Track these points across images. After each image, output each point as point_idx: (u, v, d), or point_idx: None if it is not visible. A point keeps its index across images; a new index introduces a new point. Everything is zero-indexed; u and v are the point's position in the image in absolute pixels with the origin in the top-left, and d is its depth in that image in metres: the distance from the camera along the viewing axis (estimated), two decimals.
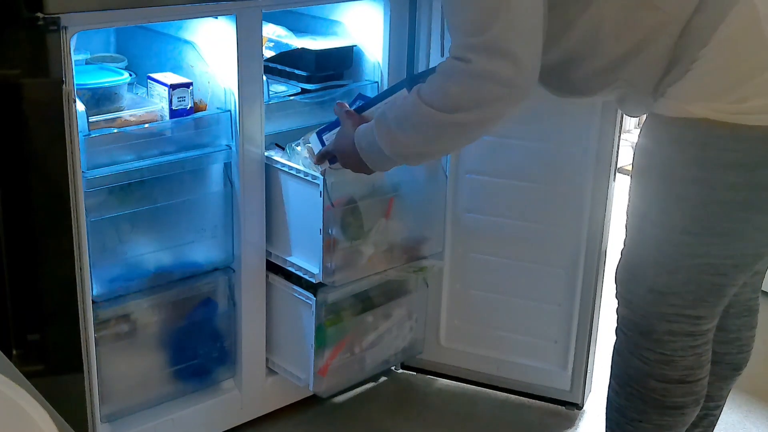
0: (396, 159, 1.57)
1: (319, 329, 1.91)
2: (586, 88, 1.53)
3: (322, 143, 1.78)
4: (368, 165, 1.61)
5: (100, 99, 1.74)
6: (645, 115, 1.52)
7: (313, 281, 1.86)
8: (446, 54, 1.47)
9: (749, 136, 1.36)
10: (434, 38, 2.02)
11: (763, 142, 1.36)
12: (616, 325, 1.59)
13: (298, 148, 1.85)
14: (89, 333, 1.67)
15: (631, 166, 1.55)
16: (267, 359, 2.02)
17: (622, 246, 1.56)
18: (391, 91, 1.72)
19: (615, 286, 1.58)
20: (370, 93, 2.10)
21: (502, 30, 1.36)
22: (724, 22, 1.34)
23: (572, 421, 2.17)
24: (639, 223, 1.51)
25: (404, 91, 1.65)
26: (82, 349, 1.66)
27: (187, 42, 1.84)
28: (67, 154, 1.53)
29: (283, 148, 1.92)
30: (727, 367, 1.69)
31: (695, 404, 1.56)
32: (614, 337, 1.60)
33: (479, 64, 1.38)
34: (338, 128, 1.72)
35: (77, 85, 1.57)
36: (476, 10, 1.38)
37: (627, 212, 1.54)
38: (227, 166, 1.84)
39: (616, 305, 1.59)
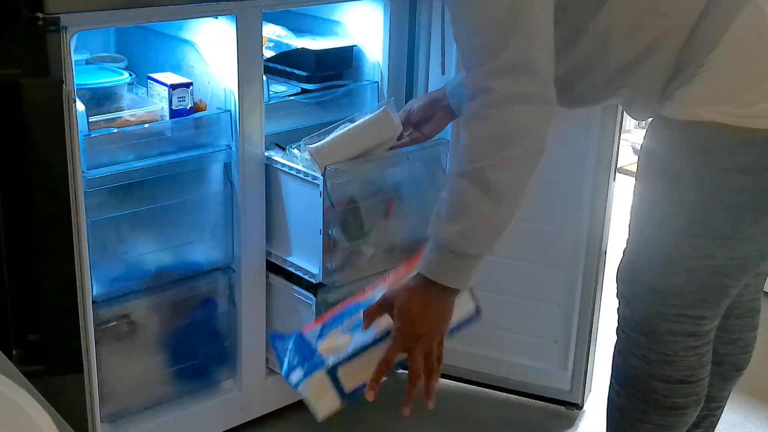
0: (484, 252, 1.36)
1: None
2: (591, 97, 1.53)
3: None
4: (452, 286, 1.35)
5: (100, 99, 1.74)
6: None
7: (313, 281, 1.86)
8: (447, 57, 1.44)
9: (757, 139, 1.36)
10: (434, 38, 2.01)
11: None
12: (617, 325, 1.59)
13: (296, 151, 1.84)
14: (89, 333, 1.67)
15: (633, 166, 1.55)
16: (267, 359, 2.02)
17: (625, 246, 1.56)
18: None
19: (616, 285, 1.58)
20: (370, 93, 2.10)
21: (518, 46, 1.28)
22: (731, 26, 1.34)
23: (572, 421, 2.17)
24: (643, 224, 1.51)
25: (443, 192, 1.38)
26: (82, 349, 1.66)
27: (187, 42, 1.84)
28: (67, 154, 1.53)
29: (284, 149, 1.92)
30: (729, 368, 1.69)
31: (696, 404, 1.56)
32: (615, 338, 1.60)
33: (504, 89, 1.29)
34: (359, 312, 1.44)
35: (77, 85, 1.57)
36: (488, 31, 1.30)
37: (631, 212, 1.54)
38: (227, 166, 1.84)
39: (618, 305, 1.58)
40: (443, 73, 1.92)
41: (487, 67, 1.30)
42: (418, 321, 1.36)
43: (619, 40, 1.42)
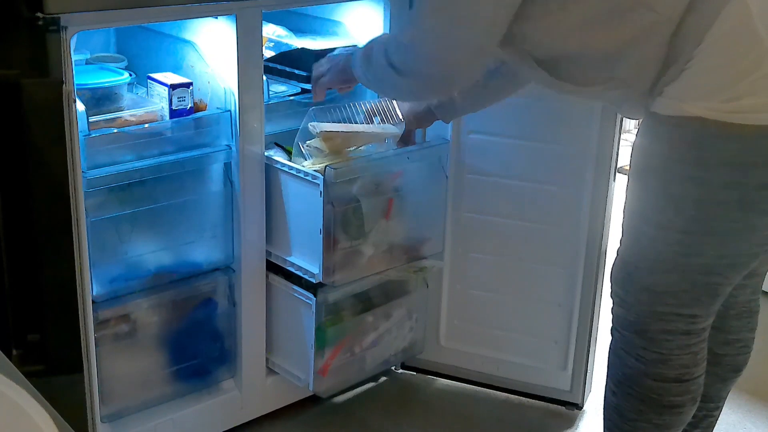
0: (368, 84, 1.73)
1: (319, 329, 1.91)
2: (581, 79, 1.52)
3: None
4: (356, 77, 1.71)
5: (100, 99, 1.74)
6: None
7: (313, 281, 1.86)
8: None
9: (742, 135, 1.36)
10: None
11: (757, 141, 1.36)
12: (611, 324, 1.60)
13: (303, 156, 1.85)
14: (89, 333, 1.67)
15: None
16: (267, 359, 2.02)
17: (618, 245, 1.57)
18: None
19: (610, 284, 1.58)
20: (371, 93, 2.10)
21: (429, 27, 1.47)
22: (717, 21, 1.34)
23: (572, 421, 2.17)
24: (634, 221, 1.52)
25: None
26: (82, 349, 1.66)
27: (187, 42, 1.84)
28: (67, 154, 1.53)
29: (284, 148, 1.92)
30: (726, 369, 1.69)
31: (692, 402, 1.56)
32: (610, 337, 1.61)
33: (404, 55, 1.53)
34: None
35: (77, 85, 1.57)
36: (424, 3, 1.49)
37: (623, 210, 1.54)
38: (227, 166, 1.84)
39: (612, 304, 1.59)
40: None
41: (407, 28, 1.59)
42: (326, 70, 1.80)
43: (602, 29, 1.42)
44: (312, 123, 1.81)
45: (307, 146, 1.83)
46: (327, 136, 1.82)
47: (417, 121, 1.96)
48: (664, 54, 1.40)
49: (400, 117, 1.91)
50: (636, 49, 1.42)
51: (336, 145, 1.83)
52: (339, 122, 1.88)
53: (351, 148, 1.87)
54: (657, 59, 1.41)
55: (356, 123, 1.90)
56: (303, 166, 1.81)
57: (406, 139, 1.98)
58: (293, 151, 1.88)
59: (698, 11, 1.36)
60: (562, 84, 1.53)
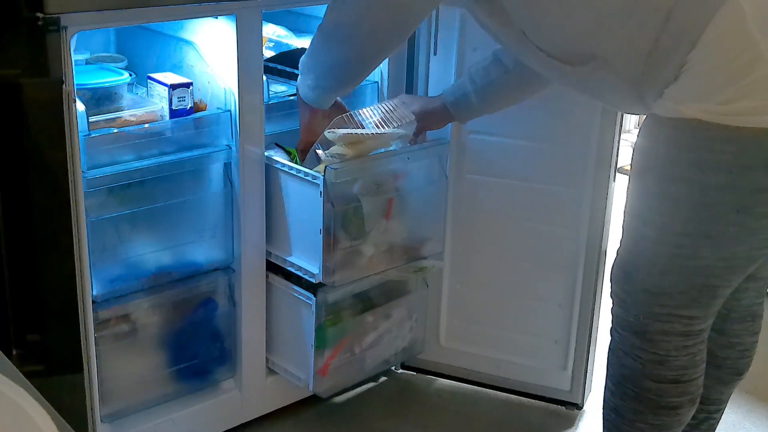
0: (317, 84, 1.74)
1: (319, 329, 1.91)
2: (564, 54, 1.51)
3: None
4: (310, 104, 1.78)
5: (100, 99, 1.74)
6: (645, 116, 1.52)
7: (313, 281, 1.86)
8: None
9: (738, 137, 1.35)
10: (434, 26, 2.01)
11: (752, 144, 1.35)
12: (611, 324, 1.60)
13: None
14: (89, 333, 1.67)
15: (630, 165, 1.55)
16: (267, 359, 2.02)
17: (618, 245, 1.57)
18: None
19: (610, 284, 1.59)
20: (370, 93, 2.10)
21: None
22: (711, 22, 1.33)
23: (572, 421, 2.17)
24: (634, 222, 1.52)
25: None
26: (82, 349, 1.66)
27: (187, 42, 1.84)
28: (67, 154, 1.53)
29: (284, 148, 1.92)
30: (728, 372, 1.69)
31: (691, 404, 1.55)
32: (609, 338, 1.61)
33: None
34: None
35: (77, 85, 1.57)
36: None
37: (624, 211, 1.54)
38: (227, 166, 1.84)
39: (611, 305, 1.59)
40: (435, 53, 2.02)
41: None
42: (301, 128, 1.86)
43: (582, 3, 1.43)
44: (331, 129, 1.79)
45: (327, 155, 1.80)
46: (352, 139, 1.79)
47: (431, 122, 1.94)
48: (650, 42, 1.39)
49: (412, 117, 1.88)
50: (615, 25, 1.41)
51: (360, 148, 1.81)
52: (355, 128, 1.85)
53: (374, 152, 1.86)
54: (642, 45, 1.40)
55: (371, 128, 1.87)
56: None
57: (418, 137, 1.98)
58: (305, 160, 1.86)
59: (690, 9, 1.35)
60: (552, 62, 1.52)
